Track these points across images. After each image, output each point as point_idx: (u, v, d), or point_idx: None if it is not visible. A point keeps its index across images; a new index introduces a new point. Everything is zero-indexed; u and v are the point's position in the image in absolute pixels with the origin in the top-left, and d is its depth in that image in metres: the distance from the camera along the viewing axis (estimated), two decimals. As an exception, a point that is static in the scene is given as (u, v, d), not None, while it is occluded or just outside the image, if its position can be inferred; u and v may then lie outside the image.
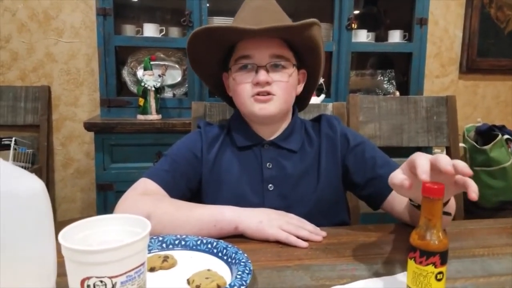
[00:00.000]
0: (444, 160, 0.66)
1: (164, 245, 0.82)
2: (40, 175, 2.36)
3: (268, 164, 1.07)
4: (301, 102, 1.20)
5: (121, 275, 0.51)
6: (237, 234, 0.88)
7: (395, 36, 2.48)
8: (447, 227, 0.94)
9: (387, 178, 1.01)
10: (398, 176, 0.73)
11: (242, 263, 0.71)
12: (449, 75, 3.02)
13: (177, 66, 2.37)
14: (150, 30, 2.27)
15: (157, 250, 0.81)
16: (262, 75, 1.01)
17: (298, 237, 0.86)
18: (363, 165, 1.08)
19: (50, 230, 0.59)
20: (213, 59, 1.11)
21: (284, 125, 1.11)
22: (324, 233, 0.91)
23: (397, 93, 2.51)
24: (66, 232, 0.53)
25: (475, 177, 0.69)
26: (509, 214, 2.78)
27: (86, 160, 2.63)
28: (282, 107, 1.06)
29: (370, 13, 2.71)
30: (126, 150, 2.12)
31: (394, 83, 2.64)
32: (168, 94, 2.35)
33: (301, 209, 1.01)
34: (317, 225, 0.93)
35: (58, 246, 0.52)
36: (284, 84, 1.05)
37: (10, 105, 2.46)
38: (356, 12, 2.56)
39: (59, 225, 0.53)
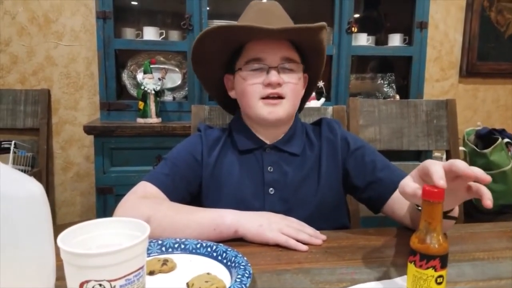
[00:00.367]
0: (462, 164, 0.66)
1: (163, 248, 0.82)
2: (39, 179, 2.36)
3: (269, 167, 1.07)
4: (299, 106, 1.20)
5: (120, 278, 0.50)
6: (237, 237, 0.88)
7: (395, 40, 2.49)
8: (448, 230, 0.94)
9: (387, 182, 1.01)
10: (409, 184, 0.72)
11: (241, 267, 0.71)
12: (449, 78, 3.03)
13: (177, 69, 2.38)
14: (150, 33, 2.27)
15: (156, 254, 0.81)
16: (274, 76, 1.01)
17: (298, 240, 0.86)
18: (363, 168, 1.08)
19: (49, 233, 0.59)
20: (218, 60, 1.10)
21: (286, 128, 1.11)
22: (324, 237, 0.91)
23: (397, 97, 2.51)
24: (65, 235, 0.53)
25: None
26: (509, 218, 2.77)
27: (85, 164, 2.63)
28: (290, 110, 1.06)
29: (370, 17, 2.71)
30: (126, 153, 2.12)
31: (394, 86, 2.64)
32: (168, 97, 2.36)
33: (301, 212, 1.01)
34: (317, 228, 0.93)
35: (57, 249, 0.51)
36: (294, 86, 1.05)
37: (10, 109, 2.46)
38: (356, 15, 2.56)
39: (58, 228, 0.53)
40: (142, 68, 2.19)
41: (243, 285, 0.64)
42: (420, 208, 0.81)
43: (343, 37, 2.33)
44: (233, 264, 0.74)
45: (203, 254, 0.80)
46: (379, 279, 0.73)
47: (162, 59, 2.36)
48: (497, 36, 3.00)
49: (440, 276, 0.59)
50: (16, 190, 0.55)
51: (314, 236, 0.89)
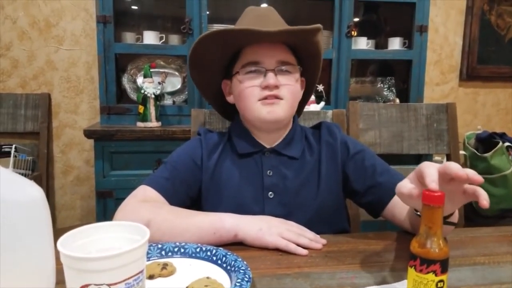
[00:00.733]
0: (455, 166, 0.66)
1: (163, 252, 0.82)
2: (40, 182, 2.36)
3: (268, 171, 1.07)
4: (297, 109, 1.20)
5: (119, 282, 0.50)
6: (237, 241, 0.88)
7: (395, 44, 2.49)
8: (448, 235, 0.94)
9: (387, 186, 1.01)
10: (406, 185, 0.73)
11: (241, 271, 0.71)
12: (449, 82, 3.03)
13: (177, 73, 2.38)
14: (150, 37, 2.28)
15: (156, 258, 0.81)
16: (271, 78, 1.01)
17: (298, 244, 0.86)
18: (363, 172, 1.08)
19: (49, 237, 0.59)
20: (215, 65, 1.10)
21: (285, 132, 1.11)
22: (324, 241, 0.91)
23: (397, 101, 2.51)
24: (65, 239, 0.53)
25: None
26: (510, 222, 2.77)
27: (85, 168, 2.63)
28: (289, 111, 1.06)
29: (370, 21, 2.71)
30: (126, 157, 2.12)
31: (394, 90, 2.64)
32: (168, 101, 2.36)
33: (301, 216, 1.00)
34: (317, 232, 0.93)
35: (57, 253, 0.51)
36: (291, 87, 1.05)
37: (10, 113, 2.46)
38: (356, 19, 2.57)
39: (58, 232, 0.53)
40: (142, 72, 2.19)
41: (243, 289, 0.64)
42: (418, 213, 0.81)
43: (343, 41, 2.33)
44: (232, 268, 0.74)
45: (203, 258, 0.80)
46: (379, 283, 0.73)
47: (162, 63, 2.37)
48: (497, 40, 3.00)
49: (441, 280, 0.59)
50: (16, 194, 0.55)
51: (314, 240, 0.89)
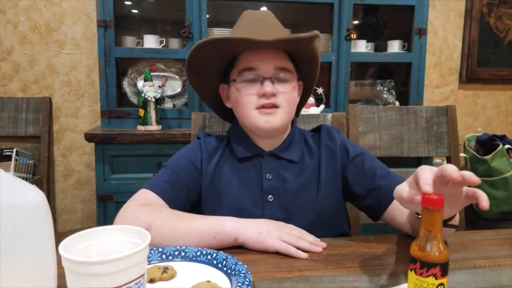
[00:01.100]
0: (450, 168, 0.66)
1: (163, 256, 0.82)
2: (40, 186, 2.36)
3: (268, 175, 1.07)
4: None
5: (121, 286, 0.50)
6: (237, 245, 0.88)
7: (395, 46, 2.50)
8: (448, 238, 0.94)
9: (387, 189, 1.01)
10: (405, 189, 0.73)
11: (242, 274, 0.71)
12: (449, 85, 3.03)
13: (177, 77, 2.38)
14: (150, 41, 2.28)
15: (156, 261, 0.81)
16: (268, 86, 1.01)
17: (298, 248, 0.86)
18: (363, 176, 1.08)
19: (51, 241, 0.59)
20: (212, 71, 1.11)
21: (284, 136, 1.11)
22: (324, 244, 0.91)
23: (397, 103, 2.51)
24: (66, 243, 0.53)
25: (476, 187, 0.69)
26: (511, 225, 2.77)
27: (86, 171, 2.63)
28: (286, 119, 1.06)
29: (369, 24, 2.72)
30: (127, 161, 2.12)
31: (393, 93, 2.65)
32: (168, 105, 2.36)
33: (301, 220, 1.01)
34: (318, 236, 0.93)
35: (59, 257, 0.52)
36: (288, 95, 1.04)
37: (11, 116, 2.47)
38: (355, 22, 2.58)
39: (59, 236, 0.53)
40: (143, 76, 2.19)
41: (244, 293, 0.64)
42: (419, 216, 0.81)
43: (342, 44, 2.34)
44: (233, 272, 0.74)
45: (203, 262, 0.80)
46: (379, 287, 0.73)
47: (162, 66, 2.37)
48: (496, 42, 3.01)
49: (441, 284, 0.59)
50: (18, 199, 0.55)
51: (314, 244, 0.89)
